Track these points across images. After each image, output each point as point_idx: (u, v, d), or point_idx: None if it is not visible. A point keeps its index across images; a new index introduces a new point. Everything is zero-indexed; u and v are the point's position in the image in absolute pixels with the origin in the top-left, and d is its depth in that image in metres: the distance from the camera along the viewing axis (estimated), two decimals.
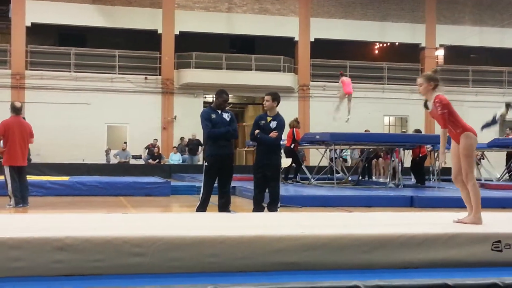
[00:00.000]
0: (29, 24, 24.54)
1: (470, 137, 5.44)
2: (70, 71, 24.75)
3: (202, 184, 8.17)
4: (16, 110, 10.65)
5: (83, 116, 24.14)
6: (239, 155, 26.16)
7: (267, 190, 8.40)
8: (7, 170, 10.42)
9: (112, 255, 4.20)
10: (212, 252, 4.32)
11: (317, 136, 15.60)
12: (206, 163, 8.19)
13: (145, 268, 4.22)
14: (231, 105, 26.34)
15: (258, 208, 8.31)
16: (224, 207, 8.15)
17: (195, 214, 7.47)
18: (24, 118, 11.19)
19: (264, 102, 8.45)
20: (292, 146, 15.09)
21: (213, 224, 5.34)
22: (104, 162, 23.29)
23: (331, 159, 16.61)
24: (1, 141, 10.44)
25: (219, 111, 8.22)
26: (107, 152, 23.79)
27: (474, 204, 5.42)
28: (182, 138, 24.55)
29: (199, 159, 22.38)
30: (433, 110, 5.56)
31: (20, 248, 4.09)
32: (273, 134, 8.17)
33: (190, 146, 23.51)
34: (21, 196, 10.50)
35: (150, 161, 23.01)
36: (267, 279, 3.95)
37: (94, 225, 5.13)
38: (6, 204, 10.40)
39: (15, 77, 24.17)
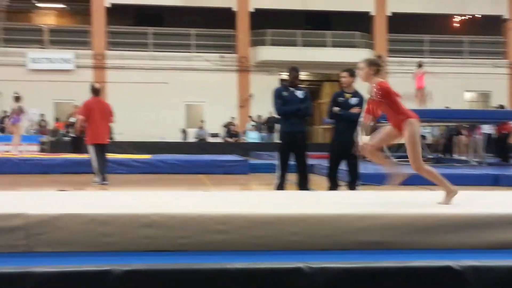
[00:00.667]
0: (109, 5, 25.12)
1: (413, 123, 5.24)
2: (148, 51, 25.22)
3: (278, 162, 8.23)
4: (96, 91, 11.14)
5: (162, 95, 24.61)
6: (316, 133, 26.06)
7: (343, 168, 8.36)
8: (91, 149, 10.86)
9: (196, 232, 4.28)
10: (293, 230, 4.33)
11: None
12: (280, 141, 8.26)
13: (229, 245, 4.28)
14: (308, 82, 26.22)
15: (334, 186, 8.29)
16: (302, 185, 8.18)
17: (274, 192, 7.52)
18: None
19: (341, 79, 8.35)
20: (371, 123, 14.88)
21: (293, 202, 5.34)
22: (183, 140, 23.71)
23: None
24: (80, 119, 10.91)
25: (292, 89, 8.20)
26: (184, 131, 24.19)
27: (440, 184, 5.24)
28: (259, 116, 24.66)
29: (276, 137, 22.44)
30: (374, 98, 5.31)
31: (109, 224, 4.23)
32: (356, 110, 8.08)
33: (268, 124, 23.59)
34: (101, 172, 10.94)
35: (228, 139, 23.25)
36: (352, 257, 3.92)
37: (178, 202, 5.24)
38: (91, 181, 10.83)
39: (97, 58, 24.86)
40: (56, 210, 4.37)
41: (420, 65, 16.90)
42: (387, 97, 5.23)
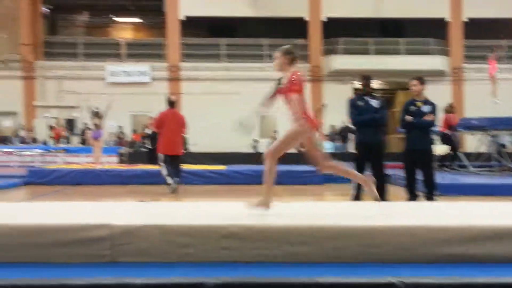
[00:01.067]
0: (183, 18, 25.62)
1: (305, 126, 5.11)
2: (221, 62, 25.53)
3: None
4: (171, 103, 11.57)
5: (235, 106, 24.76)
6: (392, 142, 25.68)
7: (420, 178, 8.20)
8: (161, 158, 11.25)
9: (275, 244, 4.28)
10: (372, 242, 4.27)
11: (474, 121, 14.93)
12: (355, 151, 8.18)
13: (308, 257, 4.25)
14: (382, 91, 25.91)
15: (412, 196, 8.14)
16: (380, 195, 8.05)
17: (351, 203, 7.44)
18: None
19: (411, 87, 8.23)
20: (448, 132, 14.56)
21: (370, 214, 5.26)
22: (255, 151, 23.80)
23: (491, 146, 15.77)
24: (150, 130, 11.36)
25: (367, 98, 8.11)
26: (255, 142, 24.29)
27: (265, 185, 5.15)
28: (332, 126, 24.52)
29: (351, 146, 22.22)
30: (284, 86, 5.16)
31: (190, 235, 4.29)
32: (430, 117, 7.97)
33: (342, 134, 23.42)
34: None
35: (301, 149, 23.20)
36: (441, 272, 3.81)
37: (256, 213, 5.25)
38: (167, 192, 11.08)
39: (172, 70, 25.36)
40: (139, 220, 4.47)
41: (493, 50, 16.39)
42: (298, 81, 5.13)
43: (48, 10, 27.23)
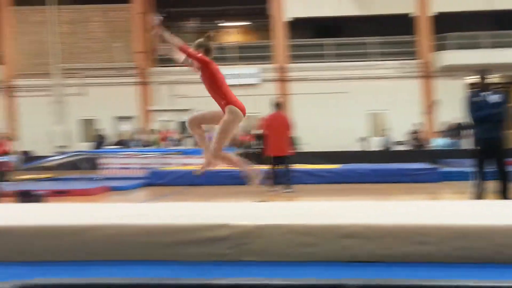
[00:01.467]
0: (289, 20, 25.74)
1: (234, 112, 5.08)
2: (328, 61, 25.44)
3: (473, 170, 7.91)
4: (277, 106, 11.93)
5: (343, 105, 24.67)
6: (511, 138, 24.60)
7: None
8: (268, 160, 11.61)
9: (397, 243, 4.21)
10: (501, 242, 4.10)
11: None
12: (474, 148, 7.93)
13: (433, 257, 4.16)
14: (499, 85, 24.83)
15: None
16: (501, 193, 7.75)
17: (474, 201, 7.19)
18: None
19: None
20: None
21: (495, 212, 5.06)
22: (365, 149, 23.52)
23: None
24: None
25: (484, 93, 7.84)
26: (363, 140, 24.03)
27: (239, 167, 5.49)
28: (446, 122, 23.80)
29: (466, 143, 21.43)
30: (202, 77, 5.25)
31: (310, 235, 4.30)
32: None
33: (455, 131, 22.66)
34: (285, 182, 11.53)
35: (414, 146, 22.70)
36: None
37: (374, 212, 5.18)
38: (281, 192, 11.20)
39: (279, 71, 25.55)
40: (258, 220, 4.53)
41: None
42: (206, 69, 5.20)
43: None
